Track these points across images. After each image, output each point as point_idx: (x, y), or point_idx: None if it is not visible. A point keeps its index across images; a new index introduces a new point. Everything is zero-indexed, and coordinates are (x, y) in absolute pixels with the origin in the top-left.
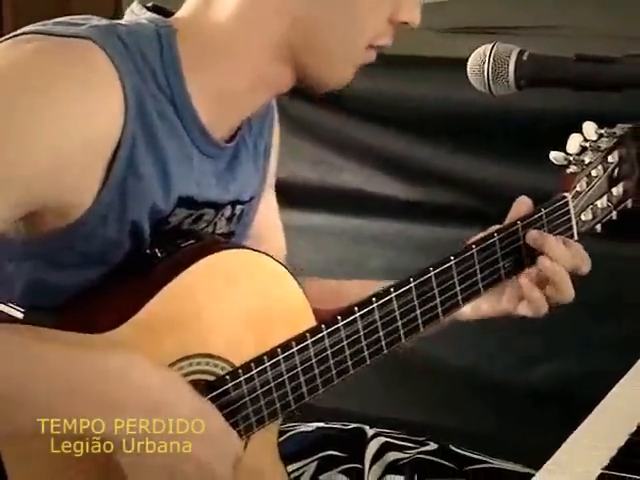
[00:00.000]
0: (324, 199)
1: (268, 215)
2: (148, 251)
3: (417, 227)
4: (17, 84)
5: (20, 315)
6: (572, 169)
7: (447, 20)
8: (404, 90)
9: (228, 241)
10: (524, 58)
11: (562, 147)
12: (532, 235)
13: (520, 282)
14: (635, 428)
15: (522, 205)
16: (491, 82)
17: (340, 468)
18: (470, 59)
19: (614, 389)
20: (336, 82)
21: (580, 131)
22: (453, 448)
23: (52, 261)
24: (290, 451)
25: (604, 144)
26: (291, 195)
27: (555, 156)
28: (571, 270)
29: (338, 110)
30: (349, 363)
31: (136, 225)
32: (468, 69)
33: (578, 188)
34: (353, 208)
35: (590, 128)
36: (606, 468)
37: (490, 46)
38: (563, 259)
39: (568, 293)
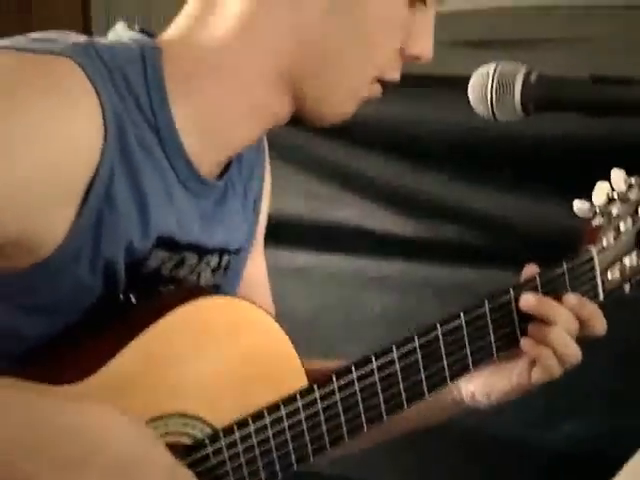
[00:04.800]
0: (316, 236)
1: (255, 273)
2: (122, 296)
3: (421, 267)
4: None
5: None
6: (598, 221)
7: (453, 33)
8: (406, 115)
9: (209, 288)
10: (532, 79)
11: (573, 176)
12: (527, 301)
13: (522, 345)
14: None
15: (529, 272)
16: (495, 107)
17: None
18: (471, 81)
19: None
20: (336, 116)
21: (601, 170)
22: None
23: (17, 304)
24: None
25: (634, 195)
26: (280, 232)
27: (579, 207)
28: (582, 334)
29: (334, 138)
30: (344, 430)
31: (110, 265)
32: (469, 92)
33: (604, 243)
34: (349, 246)
35: (619, 177)
36: None
37: (493, 66)
38: (565, 323)
39: (574, 357)
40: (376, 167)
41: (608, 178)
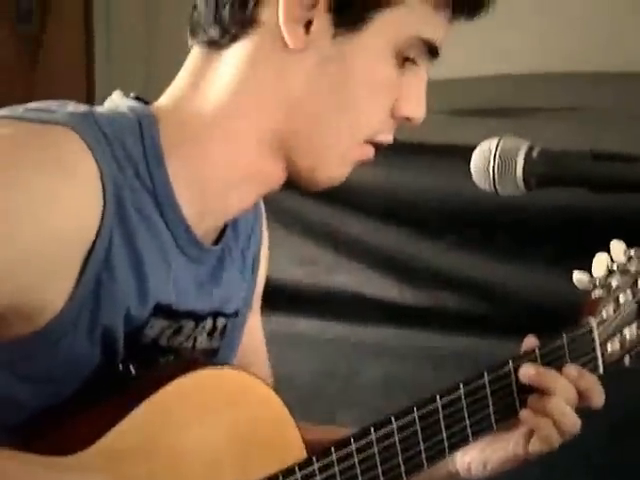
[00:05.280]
0: (313, 302)
1: (252, 339)
2: (121, 367)
3: (419, 334)
4: None
5: None
6: (597, 293)
7: (455, 101)
8: (405, 182)
9: (207, 359)
10: (534, 155)
11: (573, 245)
12: (527, 372)
13: (521, 416)
14: None
15: (529, 344)
16: (497, 182)
17: None
18: (474, 156)
19: None
20: (329, 180)
21: (601, 240)
22: None
23: (16, 372)
24: None
25: (634, 267)
26: (276, 297)
27: (579, 278)
28: (579, 404)
29: (331, 202)
30: None
31: (109, 333)
32: (472, 166)
33: (604, 315)
34: (347, 313)
35: (618, 249)
36: None
37: (495, 141)
38: (565, 393)
39: (573, 427)
40: (374, 234)
41: (608, 249)
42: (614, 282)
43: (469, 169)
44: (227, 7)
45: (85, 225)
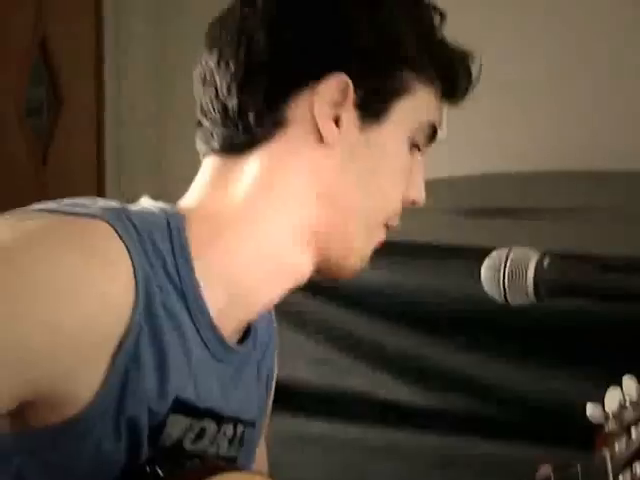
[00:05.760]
0: (325, 404)
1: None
2: (148, 469)
3: (430, 437)
4: (20, 255)
5: None
6: (610, 426)
7: (465, 201)
8: (415, 283)
9: (232, 464)
10: (544, 265)
11: (583, 350)
12: None
13: None
14: None
15: (543, 474)
16: (508, 293)
17: None
18: (484, 266)
19: None
20: (358, 266)
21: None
22: None
23: (40, 461)
24: None
25: None
26: (287, 398)
27: (592, 413)
28: None
29: (342, 304)
30: None
31: (133, 426)
32: (482, 277)
33: (616, 448)
34: (359, 415)
35: (631, 385)
36: None
37: (506, 251)
38: None
39: None
40: (385, 335)
41: (620, 383)
42: (627, 417)
43: (478, 270)
44: (252, 112)
45: (119, 315)
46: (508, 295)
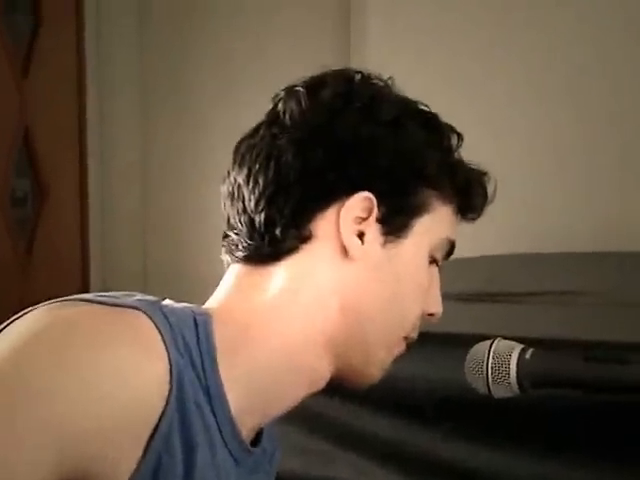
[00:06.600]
0: None
1: None
2: None
3: None
4: (64, 340)
5: None
6: None
7: (455, 285)
8: (399, 370)
9: None
10: (527, 357)
11: (572, 438)
12: None
13: None
14: None
15: None
16: (491, 386)
17: None
18: (468, 357)
19: None
20: (376, 377)
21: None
22: None
23: None
24: None
25: None
26: None
27: None
28: None
29: (325, 392)
30: None
31: None
32: (465, 370)
33: None
34: None
35: None
36: None
37: (489, 343)
38: None
39: None
40: (370, 423)
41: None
42: None
43: (462, 356)
44: (280, 227)
45: (156, 401)
46: (492, 389)
